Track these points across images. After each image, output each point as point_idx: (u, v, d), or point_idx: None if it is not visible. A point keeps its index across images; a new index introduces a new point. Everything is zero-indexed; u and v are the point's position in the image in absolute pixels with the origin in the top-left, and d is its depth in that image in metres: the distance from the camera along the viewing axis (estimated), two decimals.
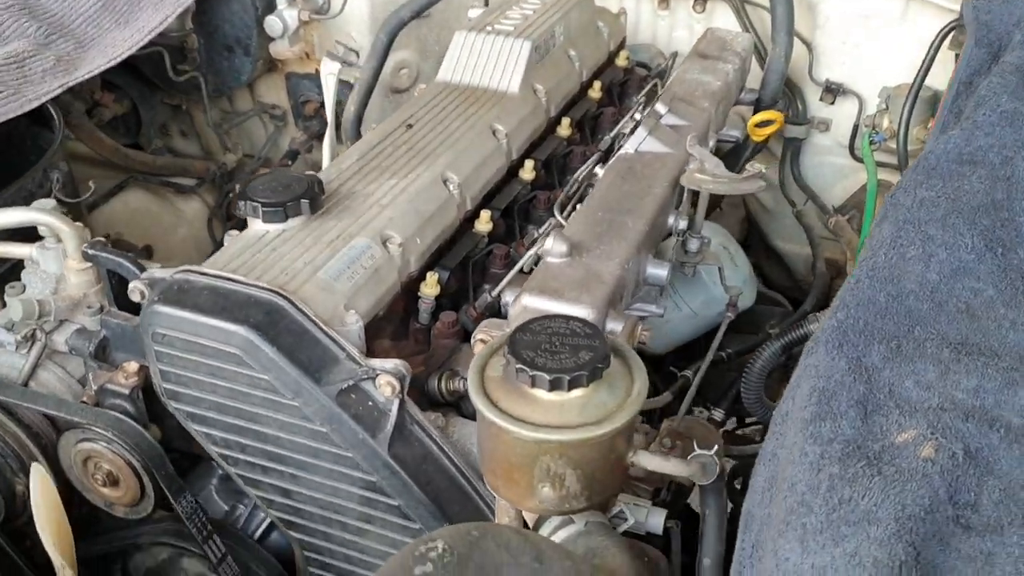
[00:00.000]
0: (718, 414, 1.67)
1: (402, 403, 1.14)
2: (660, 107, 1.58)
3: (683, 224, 1.47)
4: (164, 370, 1.18)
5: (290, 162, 2.50)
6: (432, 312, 1.39)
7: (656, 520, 1.17)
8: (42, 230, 1.38)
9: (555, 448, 0.97)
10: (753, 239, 2.36)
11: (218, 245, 2.35)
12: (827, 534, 0.84)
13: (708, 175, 1.42)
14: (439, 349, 1.36)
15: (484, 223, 1.52)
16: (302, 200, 1.31)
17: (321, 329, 1.14)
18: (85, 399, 1.26)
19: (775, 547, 0.88)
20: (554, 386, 0.97)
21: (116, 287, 1.33)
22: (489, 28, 1.84)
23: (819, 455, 0.91)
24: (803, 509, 0.87)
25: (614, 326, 1.20)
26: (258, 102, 2.64)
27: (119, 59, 1.97)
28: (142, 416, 1.23)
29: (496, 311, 1.41)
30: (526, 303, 1.19)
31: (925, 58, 1.72)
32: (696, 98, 1.70)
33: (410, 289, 1.39)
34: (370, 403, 1.13)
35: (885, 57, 1.94)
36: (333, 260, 1.25)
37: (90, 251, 1.28)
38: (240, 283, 1.16)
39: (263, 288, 1.15)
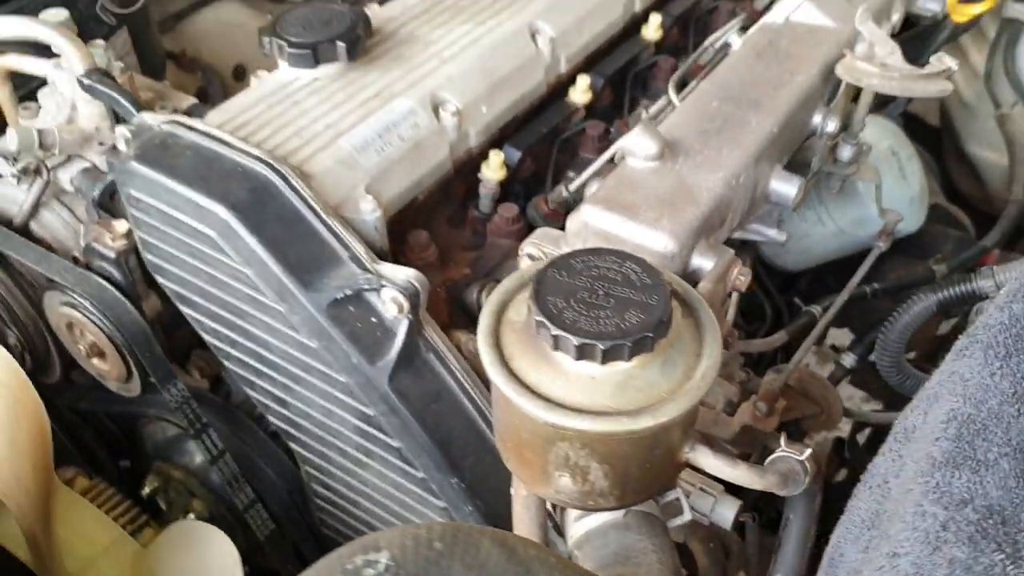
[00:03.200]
0: (848, 359, 1.35)
1: (413, 325, 0.90)
2: None
3: (832, 126, 1.11)
4: (143, 239, 0.98)
5: None
6: (496, 200, 1.13)
7: (725, 512, 0.91)
8: (56, 47, 1.18)
9: (575, 436, 0.72)
10: (944, 139, 1.93)
11: None
12: None
13: (875, 65, 1.05)
14: (493, 250, 1.11)
15: (582, 92, 1.22)
16: (338, 42, 1.05)
17: (320, 217, 0.90)
18: (77, 255, 1.09)
19: None
20: (583, 354, 0.70)
21: None
22: None
23: (942, 523, 0.62)
24: None
25: (702, 262, 0.90)
26: None
27: None
28: (131, 285, 1.05)
29: (571, 208, 1.13)
30: (587, 217, 0.91)
31: None
32: None
33: (474, 169, 1.12)
34: (373, 319, 0.90)
35: None
36: (362, 124, 1.00)
37: (85, 80, 1.07)
38: (231, 146, 0.92)
39: (255, 156, 0.91)
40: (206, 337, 1.03)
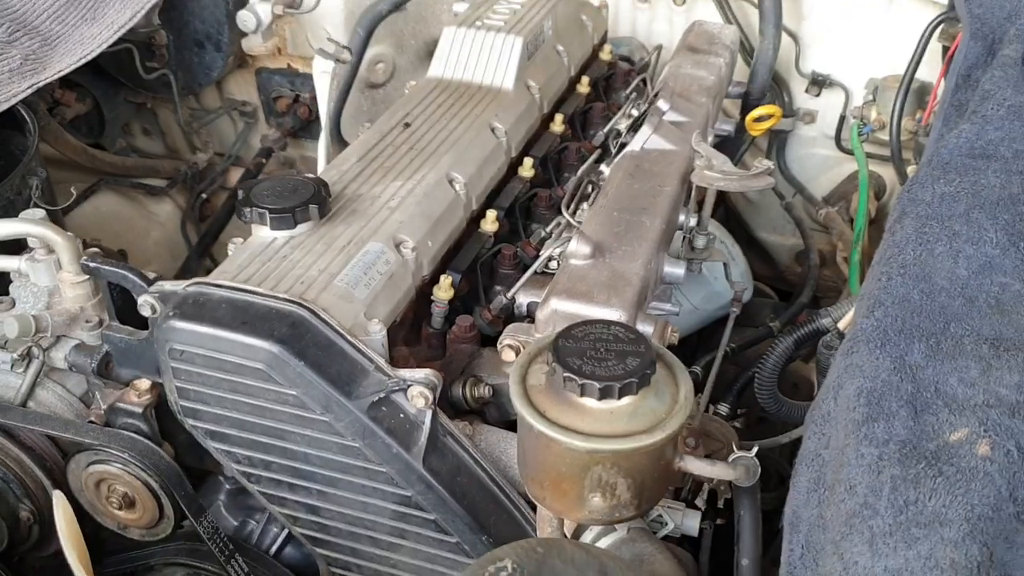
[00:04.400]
0: (723, 409, 1.67)
1: (434, 414, 1.11)
2: (662, 104, 1.57)
3: (693, 221, 1.46)
4: (182, 387, 1.13)
5: (264, 160, 2.43)
6: (445, 317, 1.36)
7: (692, 522, 1.16)
8: (31, 241, 1.31)
9: (608, 458, 0.96)
10: (735, 231, 2.37)
11: (192, 248, 2.31)
12: (897, 536, 0.83)
13: (718, 172, 1.41)
14: (457, 354, 1.33)
15: (490, 223, 1.50)
16: (311, 205, 1.27)
17: (348, 340, 1.10)
18: (93, 419, 1.21)
19: (838, 550, 0.87)
20: (604, 394, 0.95)
21: (117, 300, 1.27)
22: (479, 23, 1.80)
23: (877, 456, 0.91)
24: (867, 512, 0.87)
25: (645, 327, 1.18)
26: (227, 99, 2.56)
27: (90, 56, 1.90)
28: (155, 435, 1.18)
29: (510, 313, 1.39)
30: (555, 307, 1.17)
31: (916, 50, 1.73)
32: (693, 94, 1.69)
33: (422, 293, 1.36)
34: (401, 415, 1.10)
35: (871, 48, 1.96)
36: (348, 267, 1.22)
37: (91, 264, 1.22)
38: (259, 295, 1.12)
39: (284, 299, 1.11)
40: (236, 467, 1.17)
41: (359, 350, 1.11)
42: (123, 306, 1.28)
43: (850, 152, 2.09)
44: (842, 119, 2.06)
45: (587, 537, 1.09)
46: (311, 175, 1.34)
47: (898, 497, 0.86)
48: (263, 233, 1.27)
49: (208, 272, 1.20)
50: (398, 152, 1.50)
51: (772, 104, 1.82)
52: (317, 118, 2.55)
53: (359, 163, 1.46)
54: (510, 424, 1.32)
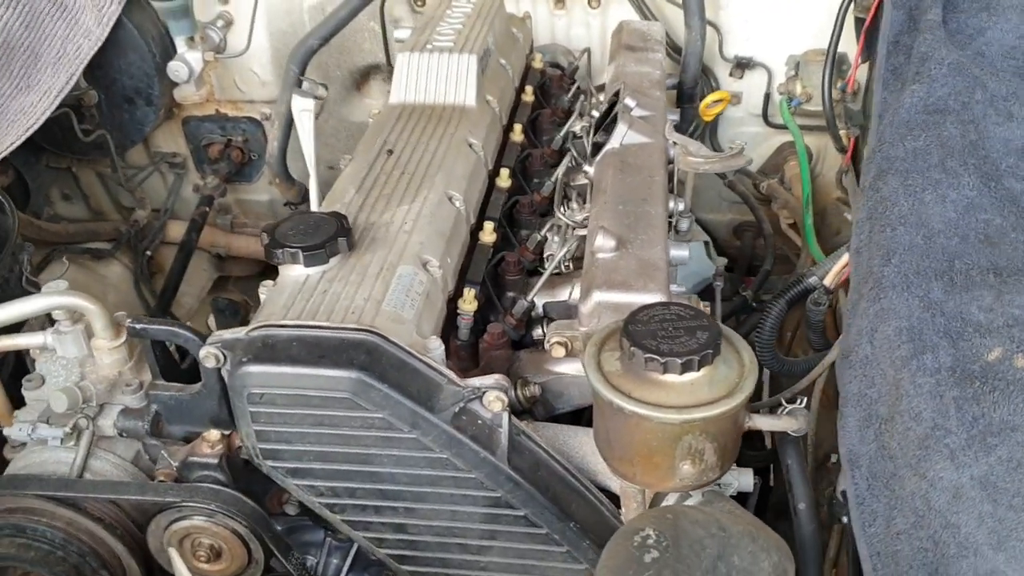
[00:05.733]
0: None
1: (510, 416, 1.17)
2: (629, 101, 1.66)
3: (681, 206, 1.56)
4: (262, 430, 1.15)
5: (207, 209, 2.41)
6: (470, 328, 1.42)
7: (747, 479, 1.26)
8: (56, 314, 1.30)
9: (698, 425, 1.04)
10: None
11: (154, 307, 2.27)
12: (976, 447, 0.95)
13: (699, 157, 1.52)
14: (494, 361, 1.39)
15: (489, 234, 1.56)
16: (339, 239, 1.30)
17: (419, 358, 1.15)
18: (162, 477, 1.21)
19: (918, 471, 0.99)
20: (686, 368, 1.03)
21: (161, 359, 1.27)
22: (429, 46, 1.86)
23: (934, 384, 1.03)
24: (939, 432, 0.98)
25: None
26: (155, 152, 2.53)
27: (36, 126, 1.86)
28: (232, 483, 1.19)
29: (530, 316, 1.46)
30: (598, 299, 1.25)
31: (836, 24, 1.89)
32: (647, 89, 1.80)
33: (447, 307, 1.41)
34: (479, 421, 1.16)
35: (787, 28, 2.12)
36: (390, 291, 1.26)
37: (137, 326, 1.21)
38: (326, 328, 1.15)
39: (352, 329, 1.15)
40: (317, 500, 1.20)
41: (430, 366, 1.15)
42: (170, 364, 1.28)
43: (777, 127, 2.25)
44: (767, 96, 2.22)
45: (668, 503, 1.17)
46: (327, 211, 1.37)
47: (965, 415, 0.98)
48: (295, 272, 1.29)
49: None
50: (391, 179, 1.54)
51: (723, 92, 1.95)
52: (251, 160, 2.56)
53: (359, 194, 1.50)
54: (556, 419, 1.39)
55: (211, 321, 2.74)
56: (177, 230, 2.47)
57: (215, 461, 1.18)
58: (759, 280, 1.97)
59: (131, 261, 2.35)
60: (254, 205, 2.63)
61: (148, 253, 2.39)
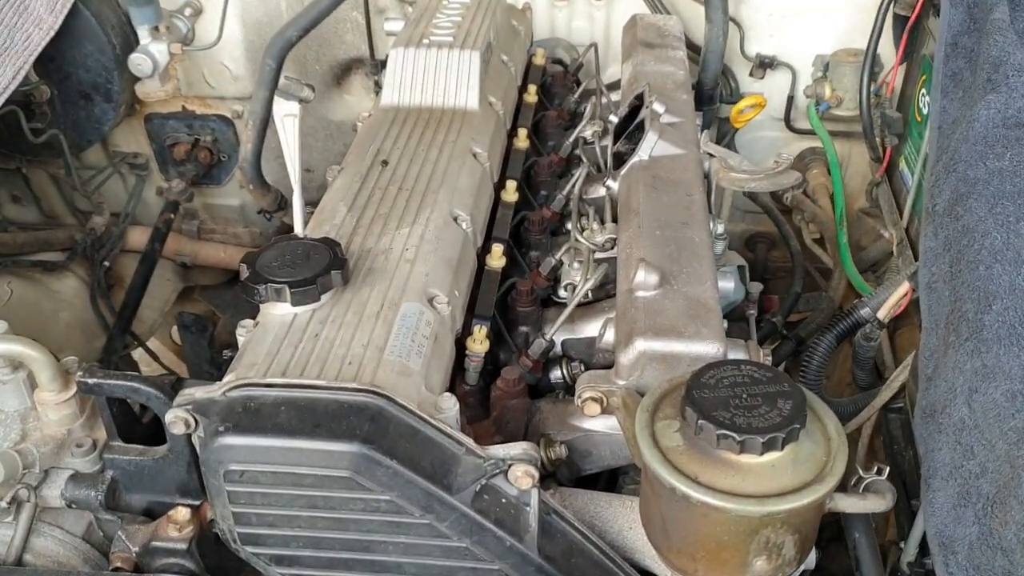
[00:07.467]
0: None
1: (540, 492, 0.97)
2: (658, 107, 1.47)
3: (721, 228, 1.37)
4: (241, 512, 0.94)
5: (172, 216, 2.18)
6: (479, 372, 1.21)
7: (812, 557, 1.07)
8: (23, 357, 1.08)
9: (780, 518, 0.85)
10: None
11: (113, 327, 2.04)
12: None
13: (743, 173, 1.33)
14: (510, 412, 1.19)
15: (497, 259, 1.36)
16: (332, 271, 1.10)
17: (432, 424, 0.95)
18: (120, 564, 0.99)
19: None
20: (768, 447, 0.84)
21: (119, 416, 1.06)
22: (425, 41, 1.65)
23: None
24: None
25: (737, 354, 1.08)
26: (114, 152, 2.29)
27: None
28: (203, 571, 0.98)
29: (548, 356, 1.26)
30: (642, 348, 1.05)
31: (876, 22, 1.71)
32: (671, 91, 1.60)
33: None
34: (503, 500, 0.95)
35: (815, 25, 1.93)
36: (393, 336, 1.06)
37: (90, 380, 1.00)
38: (321, 388, 0.94)
39: (353, 389, 0.94)
40: None
41: (445, 434, 0.95)
42: (128, 422, 1.07)
43: (800, 132, 2.06)
44: (790, 99, 2.03)
45: None
46: (316, 237, 1.16)
47: None
48: (281, 311, 1.09)
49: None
50: (388, 195, 1.34)
51: (757, 95, 1.76)
52: (220, 162, 2.33)
53: (351, 214, 1.29)
54: (580, 481, 1.20)
55: (174, 333, 2.52)
56: (138, 237, 2.25)
57: (183, 547, 0.97)
58: (789, 303, 1.79)
59: (87, 273, 2.12)
60: (223, 210, 2.41)
61: (106, 264, 2.16)
